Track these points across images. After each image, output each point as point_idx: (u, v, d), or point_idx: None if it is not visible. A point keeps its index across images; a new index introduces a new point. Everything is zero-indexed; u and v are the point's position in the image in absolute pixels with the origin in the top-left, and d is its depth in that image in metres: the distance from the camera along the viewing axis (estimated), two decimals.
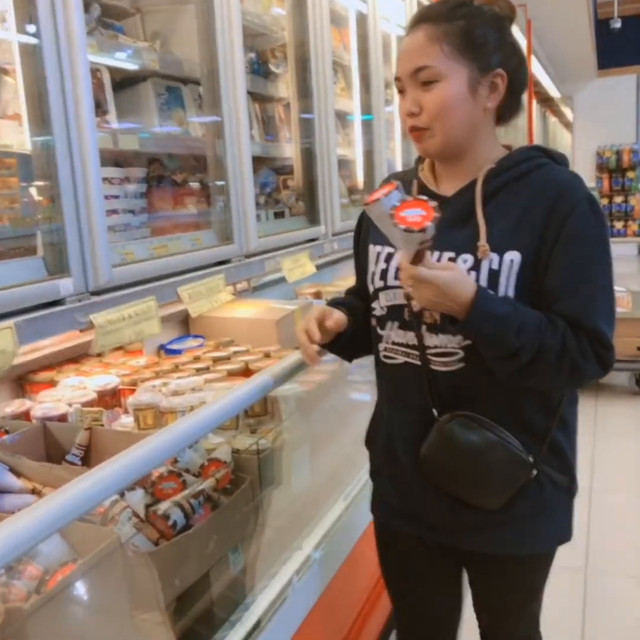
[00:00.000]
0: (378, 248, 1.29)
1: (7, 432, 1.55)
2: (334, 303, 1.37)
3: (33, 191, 1.54)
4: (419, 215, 1.04)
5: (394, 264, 1.23)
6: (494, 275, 1.13)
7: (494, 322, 1.09)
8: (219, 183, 2.00)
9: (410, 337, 1.23)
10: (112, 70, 1.81)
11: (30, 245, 1.46)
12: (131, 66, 1.86)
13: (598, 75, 10.68)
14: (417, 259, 1.07)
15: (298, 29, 2.49)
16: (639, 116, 11.14)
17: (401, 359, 1.26)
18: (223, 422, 1.44)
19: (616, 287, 4.53)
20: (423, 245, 1.06)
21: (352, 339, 1.32)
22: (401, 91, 1.20)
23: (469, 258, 1.15)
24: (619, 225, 10.81)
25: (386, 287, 1.24)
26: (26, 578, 1.04)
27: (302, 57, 2.46)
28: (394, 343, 1.26)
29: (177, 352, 2.19)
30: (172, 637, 1.29)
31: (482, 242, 1.13)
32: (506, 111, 1.23)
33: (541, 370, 1.12)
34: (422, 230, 1.03)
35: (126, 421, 1.68)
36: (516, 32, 5.75)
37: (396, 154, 3.58)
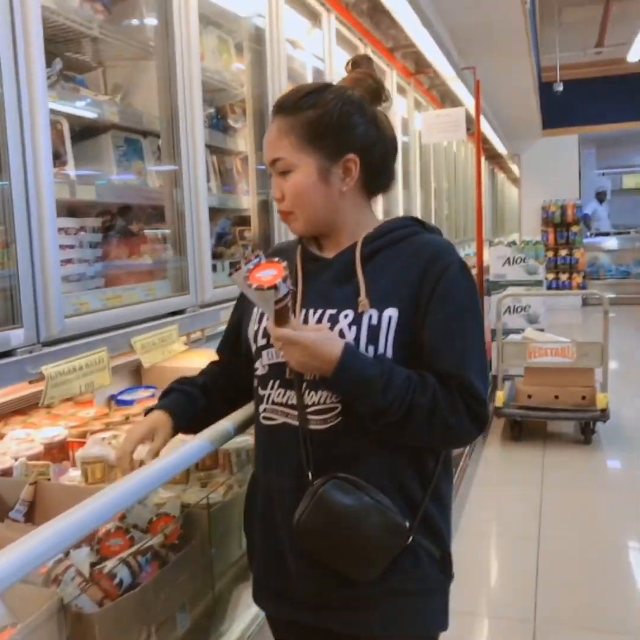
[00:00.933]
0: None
1: None
2: (173, 396, 1.39)
3: None
4: (271, 274, 1.09)
5: None
6: (373, 330, 1.17)
7: (360, 381, 1.12)
8: (176, 233, 2.02)
9: (290, 396, 1.23)
10: (73, 121, 1.83)
11: None
12: (91, 118, 1.88)
13: (543, 135, 11.19)
14: (281, 319, 1.11)
15: (257, 85, 2.57)
16: (582, 173, 11.68)
17: (280, 420, 1.24)
18: (174, 476, 1.42)
19: (563, 339, 4.68)
20: (280, 304, 1.10)
21: (192, 425, 1.35)
22: (270, 176, 1.28)
23: (350, 313, 1.19)
24: (563, 277, 11.18)
25: (268, 345, 1.25)
26: None
27: (260, 111, 2.53)
28: (274, 403, 1.25)
29: (128, 403, 2.16)
30: None
31: (362, 297, 1.18)
32: (373, 187, 1.28)
33: (412, 429, 1.15)
34: (273, 287, 1.07)
35: (74, 475, 1.64)
36: (464, 93, 5.99)
37: None
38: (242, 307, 1.39)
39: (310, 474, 1.18)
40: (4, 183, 1.37)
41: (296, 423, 1.21)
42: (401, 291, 1.18)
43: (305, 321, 1.22)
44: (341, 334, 1.17)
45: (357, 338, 1.17)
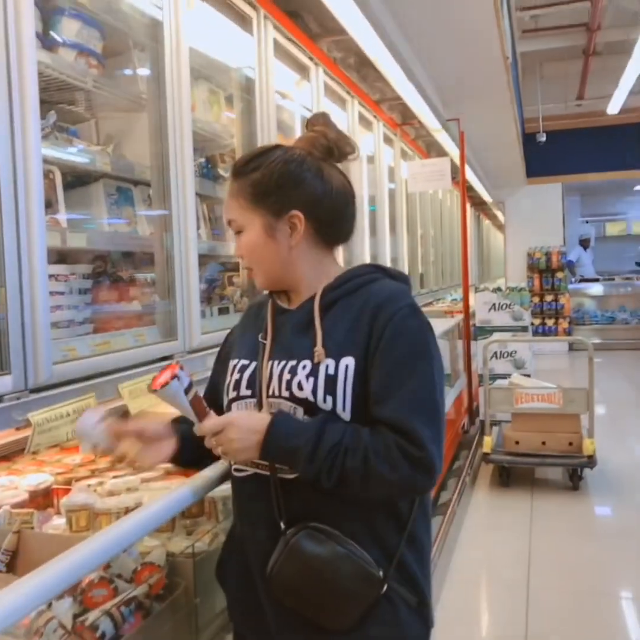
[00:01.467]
0: (234, 361, 1.33)
1: None
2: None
3: None
4: (167, 375, 1.14)
5: (246, 374, 1.28)
6: (330, 380, 1.17)
7: (286, 452, 1.14)
8: (165, 279, 2.04)
9: None
10: (65, 170, 1.86)
11: None
12: (84, 167, 1.92)
13: (527, 183, 11.44)
14: (201, 414, 1.16)
15: (246, 135, 2.63)
16: (565, 221, 11.90)
17: (250, 470, 1.25)
18: (160, 525, 1.41)
19: (550, 384, 4.69)
20: (189, 395, 1.14)
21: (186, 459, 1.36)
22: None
23: (307, 364, 1.20)
24: (550, 322, 11.28)
25: (238, 397, 1.27)
26: None
27: None
28: None
29: None
30: None
31: (317, 347, 1.20)
32: (328, 238, 1.31)
33: (352, 490, 1.15)
34: (165, 385, 1.12)
35: (59, 523, 1.62)
36: (449, 143, 6.15)
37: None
38: (223, 359, 1.40)
39: (282, 524, 1.18)
40: None
41: (266, 473, 1.21)
42: (355, 340, 1.19)
43: (270, 373, 1.23)
44: (299, 386, 1.18)
45: (314, 389, 1.17)
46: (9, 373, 1.39)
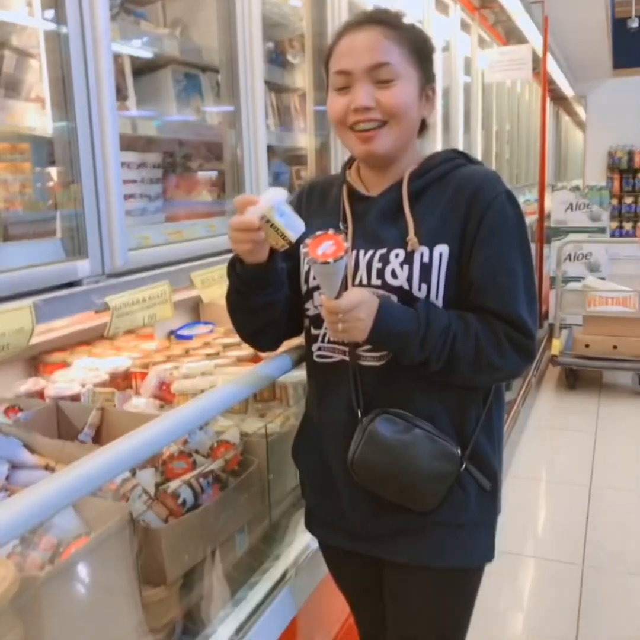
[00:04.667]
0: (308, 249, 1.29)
1: (21, 410, 1.58)
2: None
3: (52, 174, 1.56)
4: (332, 248, 1.08)
5: None
6: (425, 268, 1.16)
7: (396, 338, 1.13)
8: (234, 171, 2.02)
9: None
10: (133, 56, 1.83)
11: (50, 228, 1.49)
12: (151, 53, 1.88)
13: (613, 75, 10.61)
14: (341, 290, 1.10)
15: (316, 20, 2.50)
16: None
17: (337, 357, 1.26)
18: (232, 406, 1.46)
19: (625, 288, 4.54)
20: (345, 272, 1.09)
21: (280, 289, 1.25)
22: (344, 87, 1.17)
23: (400, 252, 1.17)
24: (627, 226, 10.78)
25: (319, 287, 1.24)
26: (41, 549, 1.07)
27: (319, 48, 2.47)
28: (329, 341, 1.26)
29: (188, 337, 2.22)
30: (178, 612, 1.32)
31: (411, 236, 1.16)
32: (424, 123, 1.27)
33: (458, 374, 1.16)
34: (338, 259, 1.06)
35: (137, 402, 1.71)
36: (531, 29, 5.69)
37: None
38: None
39: (359, 411, 1.20)
40: (69, 122, 1.39)
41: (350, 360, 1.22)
42: (449, 227, 1.17)
43: (356, 262, 1.21)
44: (393, 274, 1.17)
45: (409, 277, 1.16)
46: (86, 257, 1.43)
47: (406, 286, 1.16)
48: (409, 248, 1.16)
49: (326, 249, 1.08)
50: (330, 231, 1.10)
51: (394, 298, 1.17)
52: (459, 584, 1.29)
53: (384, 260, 1.18)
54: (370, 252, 1.20)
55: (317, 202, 1.33)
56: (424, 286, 1.16)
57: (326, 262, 1.06)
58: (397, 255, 1.17)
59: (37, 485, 0.89)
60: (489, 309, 1.15)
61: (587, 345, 4.47)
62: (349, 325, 1.11)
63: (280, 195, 1.11)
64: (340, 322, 1.11)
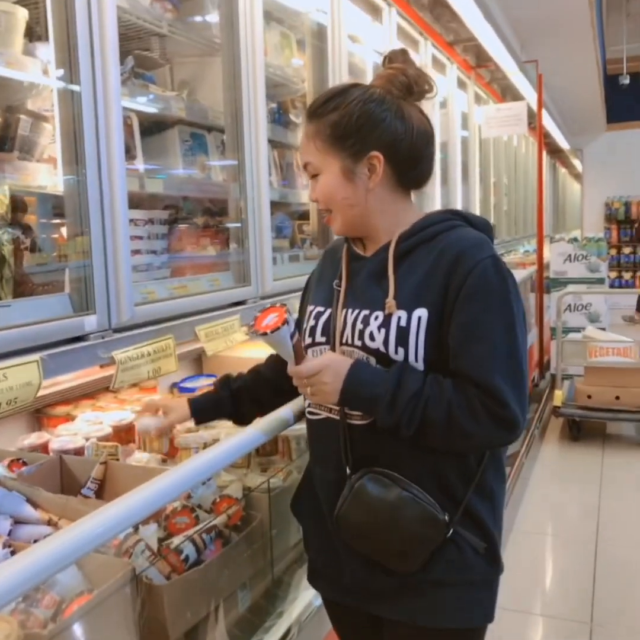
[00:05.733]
0: (311, 307, 1.33)
1: (25, 463, 1.58)
2: (204, 396, 1.51)
3: (61, 229, 1.60)
4: (274, 319, 1.13)
5: (321, 321, 1.28)
6: (402, 332, 1.16)
7: (365, 400, 1.14)
8: (238, 226, 2.07)
9: None
10: (141, 117, 1.89)
11: (58, 282, 1.52)
12: (159, 113, 1.94)
13: (607, 129, 10.86)
14: (299, 356, 1.17)
15: (317, 80, 2.60)
16: None
17: (323, 415, 1.27)
18: (235, 460, 1.46)
19: (625, 338, 4.53)
20: (293, 340, 1.15)
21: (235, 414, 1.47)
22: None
23: (379, 315, 1.18)
24: (627, 276, 10.86)
25: (314, 344, 1.28)
26: (43, 606, 1.06)
27: None
28: None
29: (191, 390, 2.22)
30: None
31: (389, 299, 1.17)
32: (406, 181, 1.26)
33: (431, 440, 1.15)
34: (276, 329, 1.11)
35: (140, 457, 1.71)
36: (526, 86, 5.86)
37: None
38: (304, 303, 1.41)
39: (348, 468, 1.20)
40: (80, 178, 1.44)
41: (338, 417, 1.23)
42: (430, 291, 1.16)
43: (344, 321, 1.23)
44: (371, 337, 1.18)
45: (385, 341, 1.16)
46: (94, 312, 1.46)
47: (383, 349, 1.17)
48: (386, 311, 1.17)
49: (269, 321, 1.14)
50: (277, 304, 1.17)
51: (372, 360, 1.18)
52: None
53: (365, 321, 1.19)
54: (356, 312, 1.22)
55: (328, 262, 1.38)
56: (400, 350, 1.15)
57: (264, 333, 1.12)
58: (376, 318, 1.18)
59: (42, 543, 0.89)
60: (465, 375, 1.13)
61: (589, 396, 4.45)
62: (316, 389, 1.16)
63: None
64: (307, 385, 1.16)
